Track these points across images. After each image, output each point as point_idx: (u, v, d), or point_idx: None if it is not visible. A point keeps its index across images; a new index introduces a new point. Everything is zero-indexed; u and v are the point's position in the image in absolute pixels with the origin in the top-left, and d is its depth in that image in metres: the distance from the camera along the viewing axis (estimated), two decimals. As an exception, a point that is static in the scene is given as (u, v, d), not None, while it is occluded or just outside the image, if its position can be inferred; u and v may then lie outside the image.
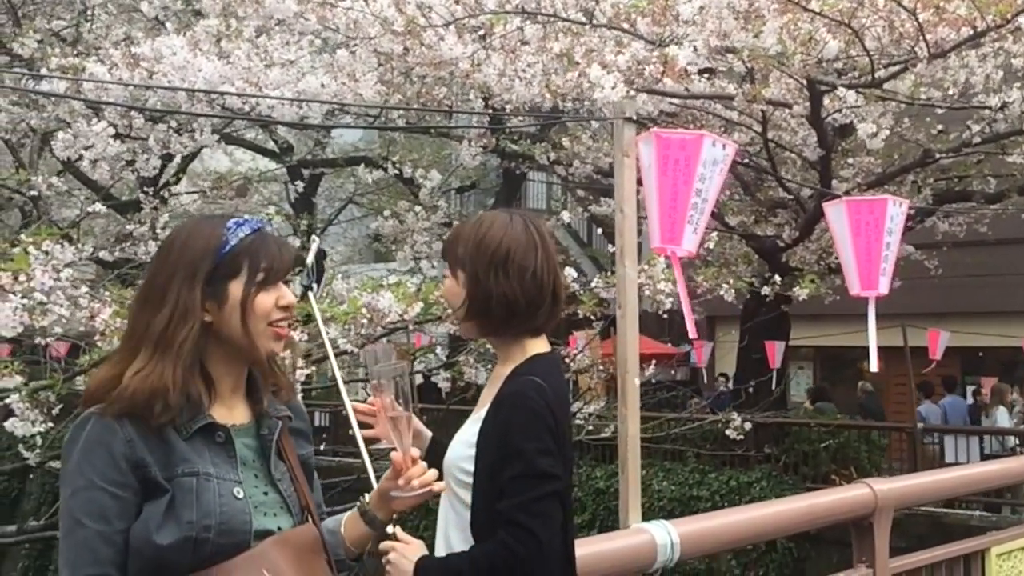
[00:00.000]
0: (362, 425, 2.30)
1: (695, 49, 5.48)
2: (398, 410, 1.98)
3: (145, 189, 9.59)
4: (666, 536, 3.11)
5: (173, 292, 1.80)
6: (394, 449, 2.06)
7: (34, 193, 8.68)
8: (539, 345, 2.29)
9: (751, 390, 12.22)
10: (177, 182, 11.38)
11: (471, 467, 2.14)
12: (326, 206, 17.91)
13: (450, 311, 2.33)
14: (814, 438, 12.48)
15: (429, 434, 2.41)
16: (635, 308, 3.32)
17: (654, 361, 11.65)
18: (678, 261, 3.57)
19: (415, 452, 2.00)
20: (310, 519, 1.90)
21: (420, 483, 1.96)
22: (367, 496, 2.05)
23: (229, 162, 16.12)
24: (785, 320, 13.00)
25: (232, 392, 1.89)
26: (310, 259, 2.42)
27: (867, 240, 4.43)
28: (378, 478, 2.07)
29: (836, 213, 4.51)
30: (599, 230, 17.26)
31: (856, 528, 3.97)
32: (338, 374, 2.26)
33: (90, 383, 1.83)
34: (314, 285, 2.41)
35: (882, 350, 14.10)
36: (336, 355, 2.44)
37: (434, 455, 2.28)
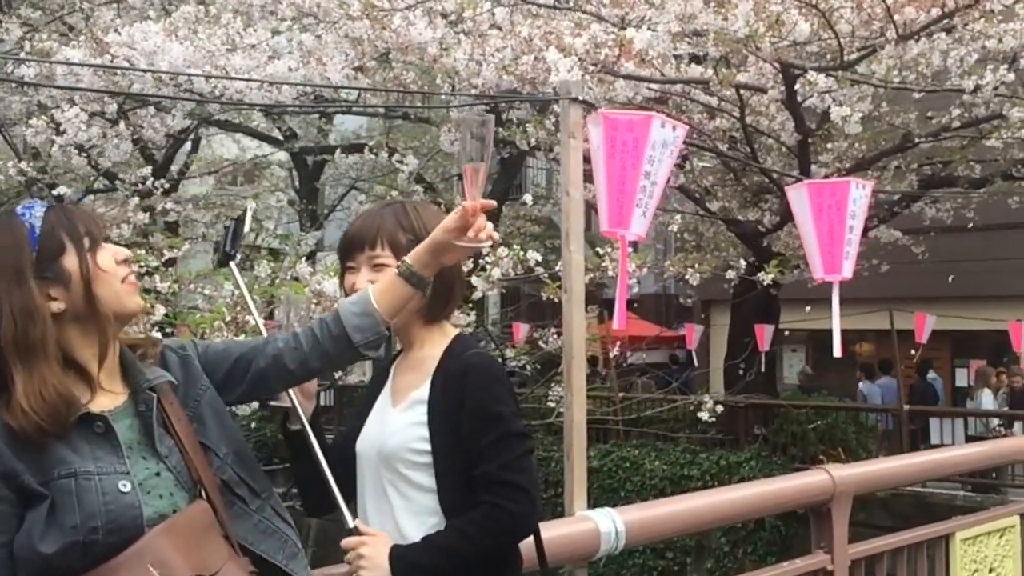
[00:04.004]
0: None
1: (656, 32, 5.43)
2: (475, 162, 1.94)
3: (122, 177, 9.57)
4: (610, 524, 3.08)
5: (4, 300, 1.71)
6: (291, 408, 2.13)
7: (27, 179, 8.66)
8: (450, 326, 2.31)
9: (740, 372, 12.37)
10: (185, 170, 11.45)
11: (425, 447, 2.13)
12: (330, 192, 18.06)
13: None
14: (803, 419, 12.65)
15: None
16: (581, 292, 3.28)
17: (618, 343, 11.76)
18: (626, 245, 3.52)
19: (492, 203, 1.98)
20: (203, 493, 1.82)
21: (487, 233, 1.94)
22: (407, 259, 1.99)
23: (237, 149, 16.21)
24: (774, 304, 13.04)
25: (109, 376, 1.82)
26: (246, 227, 2.32)
27: (829, 224, 4.37)
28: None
29: (798, 196, 4.45)
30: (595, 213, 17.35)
31: (814, 514, 3.93)
32: (262, 328, 2.20)
33: None
34: (236, 254, 2.29)
35: (871, 333, 14.17)
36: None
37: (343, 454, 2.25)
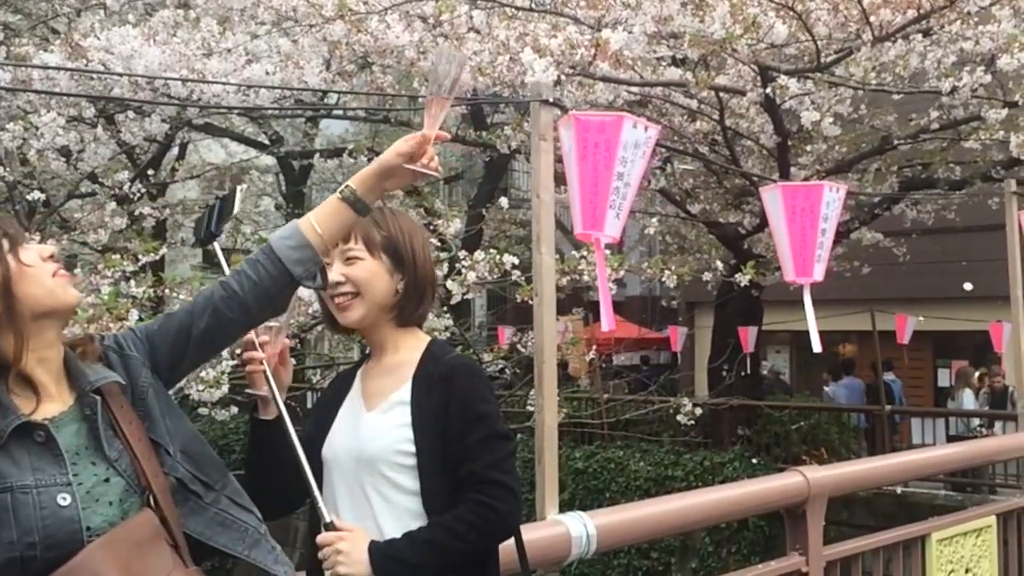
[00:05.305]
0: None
1: (632, 33, 5.42)
2: (439, 95, 2.00)
3: (101, 181, 9.52)
4: (582, 528, 3.06)
5: None
6: (262, 397, 2.14)
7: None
8: (422, 332, 2.30)
9: (724, 374, 12.41)
10: (172, 174, 11.44)
11: (410, 448, 2.11)
12: (317, 196, 18.10)
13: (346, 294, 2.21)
14: (786, 420, 12.70)
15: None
16: (552, 295, 3.27)
17: (594, 347, 11.82)
18: (601, 247, 3.51)
19: (446, 135, 2.06)
20: (151, 500, 1.76)
21: (434, 165, 2.01)
22: (350, 183, 1.99)
23: (225, 154, 16.20)
24: (758, 305, 13.07)
25: (55, 381, 1.78)
26: (236, 207, 2.21)
27: (802, 226, 4.37)
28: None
29: (771, 199, 4.45)
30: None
31: (789, 516, 3.93)
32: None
33: None
34: (220, 234, 2.20)
35: (854, 334, 14.28)
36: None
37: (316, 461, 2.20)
